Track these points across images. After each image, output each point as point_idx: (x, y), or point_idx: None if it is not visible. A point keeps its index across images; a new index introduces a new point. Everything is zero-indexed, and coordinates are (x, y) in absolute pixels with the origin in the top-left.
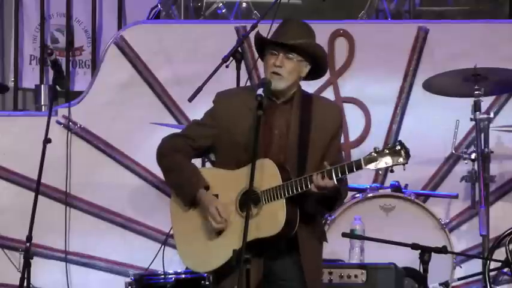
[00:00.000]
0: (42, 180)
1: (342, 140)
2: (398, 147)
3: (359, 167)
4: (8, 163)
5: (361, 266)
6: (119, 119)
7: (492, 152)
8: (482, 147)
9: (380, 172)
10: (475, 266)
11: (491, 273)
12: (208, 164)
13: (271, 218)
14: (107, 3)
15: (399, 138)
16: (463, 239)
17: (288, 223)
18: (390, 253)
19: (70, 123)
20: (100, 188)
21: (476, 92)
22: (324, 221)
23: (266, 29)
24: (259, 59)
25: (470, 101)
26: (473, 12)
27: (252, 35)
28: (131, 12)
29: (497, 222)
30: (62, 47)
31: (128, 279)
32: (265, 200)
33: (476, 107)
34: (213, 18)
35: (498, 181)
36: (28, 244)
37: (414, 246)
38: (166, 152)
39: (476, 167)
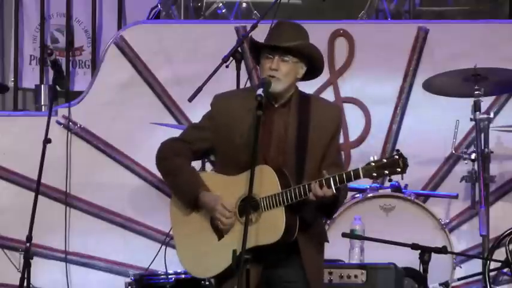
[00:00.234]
0: (42, 180)
1: (342, 140)
2: (396, 157)
3: (357, 176)
4: (8, 163)
5: (361, 266)
6: (119, 119)
7: (492, 152)
8: (482, 147)
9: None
10: (475, 266)
11: (491, 273)
12: (208, 165)
13: (271, 226)
14: (107, 3)
15: (399, 139)
16: (463, 239)
17: (287, 230)
18: (390, 253)
19: (70, 123)
20: (100, 188)
21: (476, 92)
22: (324, 221)
23: (266, 29)
24: None
25: (470, 101)
26: (473, 12)
27: (253, 35)
28: (131, 12)
29: (497, 222)
30: (62, 47)
31: (128, 279)
32: (264, 207)
33: (476, 107)
34: (213, 18)
35: (498, 181)
36: (28, 244)
37: (414, 246)
38: (165, 155)
39: (476, 167)
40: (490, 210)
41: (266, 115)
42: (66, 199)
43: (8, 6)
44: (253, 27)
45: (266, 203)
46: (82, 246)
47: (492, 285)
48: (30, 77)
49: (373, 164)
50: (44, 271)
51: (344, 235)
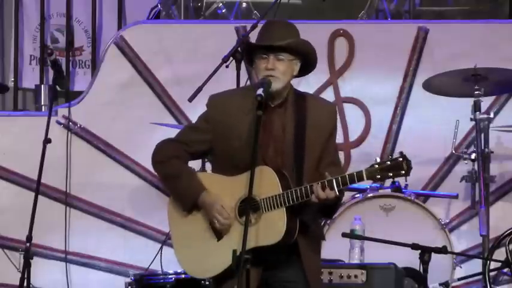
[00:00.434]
0: (42, 180)
1: (342, 140)
2: (400, 159)
3: (360, 178)
4: (8, 163)
5: (361, 266)
6: (119, 119)
7: (492, 152)
8: (482, 147)
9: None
10: (475, 266)
11: (491, 273)
12: (208, 165)
13: (271, 227)
14: (107, 3)
15: (399, 139)
16: (463, 239)
17: (288, 232)
18: (390, 253)
19: (70, 123)
20: (100, 188)
21: (476, 92)
22: (323, 221)
23: None
24: None
25: (470, 101)
26: (473, 12)
27: (252, 35)
28: (131, 12)
29: (497, 222)
30: (62, 47)
31: (128, 279)
32: (264, 208)
33: (476, 107)
34: (213, 18)
35: (498, 181)
36: (28, 244)
37: (414, 246)
38: (162, 158)
39: (476, 167)
40: (490, 210)
41: (264, 115)
42: (66, 199)
43: (8, 6)
44: (253, 27)
45: (267, 204)
46: (82, 246)
47: (492, 285)
48: (30, 77)
49: (377, 166)
50: (44, 271)
51: (344, 235)
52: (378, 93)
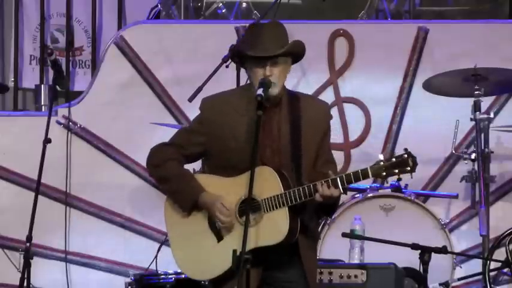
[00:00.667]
0: (42, 180)
1: (342, 140)
2: (405, 156)
3: (366, 176)
4: (8, 163)
5: (361, 266)
6: (119, 119)
7: (492, 152)
8: (482, 147)
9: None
10: (475, 266)
11: (491, 273)
12: None
13: (274, 227)
14: (107, 3)
15: (399, 139)
16: (463, 239)
17: (290, 231)
18: (390, 253)
19: (70, 123)
20: (100, 188)
21: (476, 92)
22: (323, 221)
23: None
24: None
25: (470, 101)
26: (473, 12)
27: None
28: (131, 12)
29: (497, 222)
30: (62, 47)
31: (128, 279)
32: (266, 208)
33: (476, 107)
34: (213, 18)
35: (498, 181)
36: (28, 244)
37: (414, 246)
38: (158, 161)
39: (476, 167)
40: (490, 210)
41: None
42: (66, 199)
43: (8, 6)
44: None
45: (268, 204)
46: (82, 246)
47: (492, 285)
48: (30, 77)
49: (382, 163)
50: (44, 271)
51: (344, 235)
52: (377, 93)
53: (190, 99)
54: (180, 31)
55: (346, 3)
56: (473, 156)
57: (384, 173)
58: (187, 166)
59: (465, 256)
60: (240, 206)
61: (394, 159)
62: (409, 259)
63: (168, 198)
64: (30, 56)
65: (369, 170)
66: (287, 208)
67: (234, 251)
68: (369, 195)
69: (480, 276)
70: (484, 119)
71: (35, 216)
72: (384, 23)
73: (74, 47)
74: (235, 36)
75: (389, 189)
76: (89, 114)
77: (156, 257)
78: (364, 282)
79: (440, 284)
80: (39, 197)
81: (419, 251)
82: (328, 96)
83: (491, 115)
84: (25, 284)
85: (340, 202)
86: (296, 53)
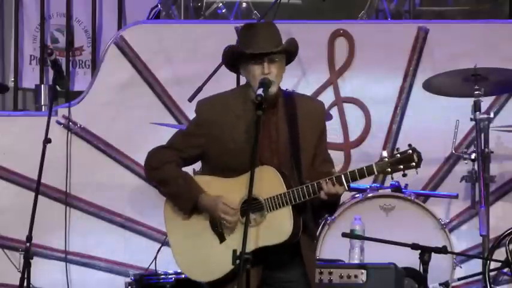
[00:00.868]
0: (42, 180)
1: (342, 140)
2: (410, 152)
3: (371, 172)
4: (8, 163)
5: (361, 266)
6: (119, 119)
7: (492, 152)
8: (482, 147)
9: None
10: (475, 266)
11: (491, 273)
12: None
13: (278, 227)
14: (107, 3)
15: (399, 139)
16: (463, 239)
17: (294, 231)
18: (390, 253)
19: (70, 123)
20: (100, 188)
21: (476, 92)
22: (323, 221)
23: None
24: None
25: (470, 101)
26: (473, 12)
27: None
28: (131, 12)
29: (497, 222)
30: (62, 47)
31: (128, 279)
32: (269, 208)
33: (476, 107)
34: (213, 18)
35: (498, 181)
36: (28, 244)
37: (414, 246)
38: (156, 164)
39: (476, 167)
40: (490, 210)
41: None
42: (66, 199)
43: (8, 6)
44: None
45: (271, 204)
46: (82, 246)
47: (492, 285)
48: (30, 77)
49: (387, 159)
50: (44, 271)
51: (344, 235)
52: (377, 93)
53: (190, 99)
54: (180, 31)
55: (346, 3)
56: (473, 156)
57: (389, 169)
58: (185, 168)
59: (465, 256)
60: (242, 206)
61: (399, 155)
62: (409, 259)
63: (167, 201)
64: (30, 56)
65: (374, 167)
66: (291, 207)
67: (234, 251)
68: (369, 195)
69: (480, 276)
70: (484, 119)
71: (35, 216)
72: (383, 23)
73: (74, 47)
74: (235, 36)
75: (389, 189)
76: (89, 114)
77: (155, 257)
78: (364, 282)
79: (440, 284)
80: (39, 197)
81: (419, 251)
82: (328, 96)
83: (491, 115)
84: (25, 284)
85: (340, 202)
86: (291, 51)
